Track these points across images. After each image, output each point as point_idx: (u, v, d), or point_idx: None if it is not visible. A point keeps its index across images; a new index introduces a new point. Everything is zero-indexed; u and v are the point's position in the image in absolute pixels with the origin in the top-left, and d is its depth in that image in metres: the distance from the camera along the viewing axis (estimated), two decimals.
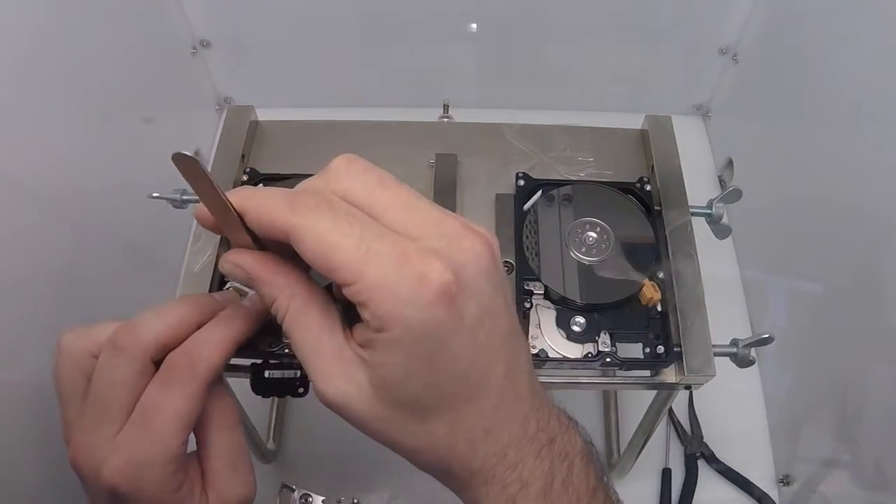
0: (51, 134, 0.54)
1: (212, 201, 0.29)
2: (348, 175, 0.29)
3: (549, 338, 0.43)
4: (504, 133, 0.54)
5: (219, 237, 0.46)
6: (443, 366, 0.28)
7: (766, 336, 0.44)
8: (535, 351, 0.43)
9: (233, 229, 0.31)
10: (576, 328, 0.44)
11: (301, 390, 0.41)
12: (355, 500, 0.62)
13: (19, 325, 0.50)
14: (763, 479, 0.66)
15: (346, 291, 0.27)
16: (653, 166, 0.51)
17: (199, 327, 0.35)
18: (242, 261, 0.31)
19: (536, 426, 0.31)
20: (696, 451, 0.67)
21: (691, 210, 0.48)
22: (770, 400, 0.70)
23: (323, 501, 0.62)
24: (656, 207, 0.49)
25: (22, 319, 0.50)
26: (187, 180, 0.29)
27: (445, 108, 0.58)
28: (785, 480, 0.65)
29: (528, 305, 0.44)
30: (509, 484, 0.30)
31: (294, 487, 0.63)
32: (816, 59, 0.63)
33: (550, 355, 0.43)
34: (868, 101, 0.55)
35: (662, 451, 0.67)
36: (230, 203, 0.29)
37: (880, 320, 0.52)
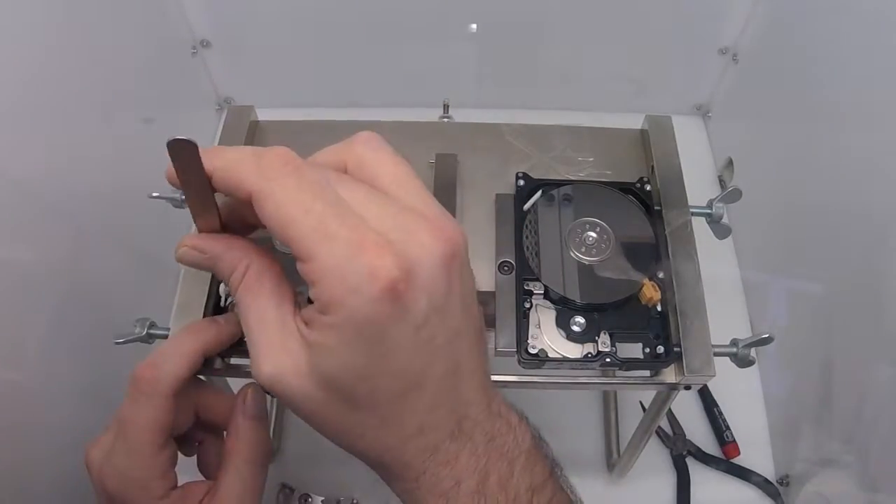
0: (51, 134, 0.54)
1: (194, 187, 0.29)
2: (364, 144, 0.30)
3: (549, 338, 0.43)
4: (504, 133, 0.54)
5: None
6: (379, 360, 0.27)
7: (766, 336, 0.44)
8: (534, 351, 0.43)
9: (201, 211, 0.31)
10: (575, 328, 0.44)
11: None
12: (355, 501, 0.62)
13: (20, 325, 0.50)
14: None
15: (299, 267, 0.27)
16: (653, 166, 0.51)
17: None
18: (198, 242, 0.31)
19: (474, 425, 0.30)
20: (682, 451, 0.67)
21: (691, 210, 0.49)
22: (770, 400, 0.70)
23: (323, 501, 0.62)
24: (656, 207, 0.49)
25: (23, 319, 0.50)
26: (177, 165, 0.29)
27: (445, 107, 0.58)
28: (784, 481, 0.65)
29: (527, 305, 0.44)
30: (442, 479, 0.30)
31: (294, 487, 0.63)
32: (816, 59, 0.63)
33: (550, 355, 0.43)
34: (868, 100, 0.55)
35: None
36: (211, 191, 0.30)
37: (880, 320, 0.52)
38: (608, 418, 0.68)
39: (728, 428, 0.67)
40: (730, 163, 0.81)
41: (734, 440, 0.67)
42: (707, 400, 0.69)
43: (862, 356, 0.54)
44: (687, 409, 0.69)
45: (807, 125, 0.65)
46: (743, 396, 0.70)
